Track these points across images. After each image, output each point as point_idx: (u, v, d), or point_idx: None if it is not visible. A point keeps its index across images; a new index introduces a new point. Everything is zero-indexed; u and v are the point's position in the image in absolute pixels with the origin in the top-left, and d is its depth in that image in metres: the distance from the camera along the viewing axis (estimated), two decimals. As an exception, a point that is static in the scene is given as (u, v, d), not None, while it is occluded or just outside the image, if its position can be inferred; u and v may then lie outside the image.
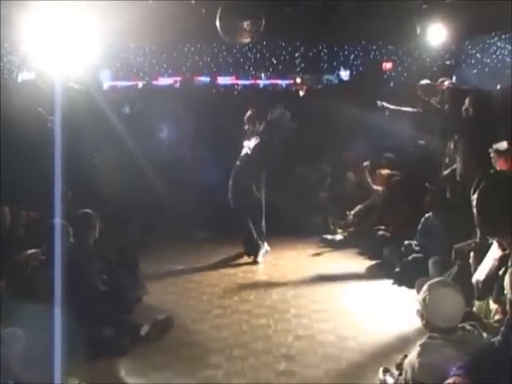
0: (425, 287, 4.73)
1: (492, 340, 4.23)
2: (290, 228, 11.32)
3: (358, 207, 11.36)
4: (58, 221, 7.18)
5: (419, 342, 4.57)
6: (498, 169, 6.55)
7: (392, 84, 18.55)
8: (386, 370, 5.62)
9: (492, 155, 6.76)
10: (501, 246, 4.70)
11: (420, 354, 4.43)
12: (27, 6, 9.51)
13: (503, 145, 6.87)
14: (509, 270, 4.19)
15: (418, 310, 4.76)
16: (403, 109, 10.16)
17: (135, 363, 6.44)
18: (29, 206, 8.21)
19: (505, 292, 4.29)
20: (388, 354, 6.32)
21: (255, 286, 8.89)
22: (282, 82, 21.90)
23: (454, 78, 14.03)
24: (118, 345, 6.71)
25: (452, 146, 8.56)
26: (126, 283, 7.95)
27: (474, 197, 4.48)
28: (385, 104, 10.26)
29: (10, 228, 7.53)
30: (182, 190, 11.07)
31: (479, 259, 5.40)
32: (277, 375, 6.15)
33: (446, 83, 9.92)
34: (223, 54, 22.77)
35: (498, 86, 10.27)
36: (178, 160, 11.22)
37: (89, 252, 7.62)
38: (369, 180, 11.18)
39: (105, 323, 6.91)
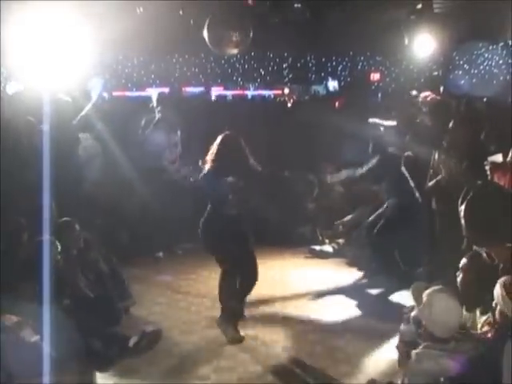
0: (425, 296, 4.71)
1: (480, 351, 4.26)
2: (278, 238, 11.31)
3: (347, 218, 11.38)
4: (46, 237, 7.19)
5: (415, 351, 4.56)
6: (495, 181, 6.56)
7: (380, 95, 18.59)
8: (372, 382, 5.64)
9: (488, 168, 6.76)
10: (489, 256, 4.72)
11: (416, 362, 4.42)
12: (15, 17, 9.50)
13: (499, 157, 6.89)
14: (498, 281, 4.21)
15: (413, 318, 4.74)
16: (393, 123, 10.12)
17: (123, 375, 6.45)
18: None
19: (494, 303, 4.31)
20: (378, 365, 6.34)
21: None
22: (270, 93, 21.90)
23: (441, 88, 14.07)
24: (105, 356, 6.70)
25: (437, 157, 8.59)
26: (113, 294, 7.94)
27: (462, 207, 4.52)
28: (377, 121, 10.22)
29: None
30: (170, 200, 11.05)
31: None
32: (266, 387, 6.18)
33: (428, 94, 9.96)
34: (211, 64, 22.78)
35: (485, 99, 10.30)
36: (164, 169, 11.18)
37: (72, 261, 7.61)
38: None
39: (92, 335, 6.90)
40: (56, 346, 6.37)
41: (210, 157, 7.31)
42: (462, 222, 4.53)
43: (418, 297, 4.89)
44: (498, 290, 4.16)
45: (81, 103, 9.97)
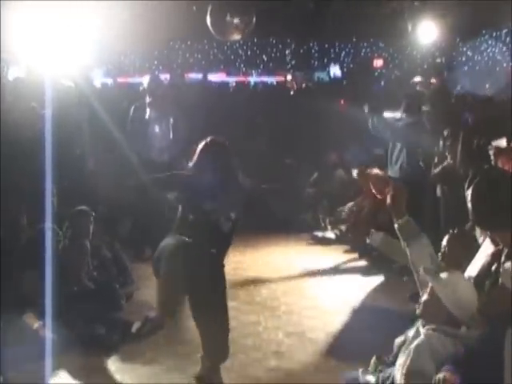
0: (448, 275, 4.64)
1: (482, 335, 4.27)
2: (280, 224, 11.32)
3: (350, 204, 11.37)
4: (48, 225, 7.22)
5: (424, 332, 4.53)
6: (500, 166, 6.55)
7: (383, 81, 18.57)
8: (378, 358, 5.64)
9: (492, 152, 6.75)
10: (493, 241, 4.72)
11: (425, 343, 4.38)
12: (16, 4, 9.50)
13: (503, 142, 6.87)
14: (504, 266, 4.22)
15: (426, 300, 4.65)
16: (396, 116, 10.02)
17: (126, 360, 6.47)
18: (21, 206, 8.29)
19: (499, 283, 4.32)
20: (377, 351, 6.35)
21: (245, 282, 8.89)
22: (273, 79, 21.86)
23: (445, 74, 14.05)
24: (109, 342, 6.74)
25: (442, 143, 8.57)
26: (116, 280, 7.97)
27: (469, 192, 4.56)
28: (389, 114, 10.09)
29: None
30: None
31: None
32: (266, 371, 6.19)
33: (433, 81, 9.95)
34: (214, 51, 22.75)
35: (487, 85, 10.29)
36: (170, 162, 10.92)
37: (82, 250, 7.64)
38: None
39: (96, 320, 6.94)
40: (59, 332, 6.43)
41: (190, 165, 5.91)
42: (469, 205, 4.57)
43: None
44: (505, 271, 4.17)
45: (83, 89, 9.96)
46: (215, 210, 5.60)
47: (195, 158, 5.85)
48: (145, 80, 10.82)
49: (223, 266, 5.72)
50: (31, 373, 5.89)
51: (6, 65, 12.88)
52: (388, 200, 4.97)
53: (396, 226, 4.93)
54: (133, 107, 10.28)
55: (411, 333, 4.84)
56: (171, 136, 10.45)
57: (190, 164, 5.88)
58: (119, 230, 10.03)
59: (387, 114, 9.85)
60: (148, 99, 10.28)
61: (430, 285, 4.59)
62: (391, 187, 5.03)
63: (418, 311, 4.70)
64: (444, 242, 5.40)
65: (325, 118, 12.87)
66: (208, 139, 5.91)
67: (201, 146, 5.89)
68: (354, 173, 8.84)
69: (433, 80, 10.17)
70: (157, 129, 10.35)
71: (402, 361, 4.42)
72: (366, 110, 9.59)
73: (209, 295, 5.54)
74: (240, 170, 6.04)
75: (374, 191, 5.37)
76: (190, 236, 5.59)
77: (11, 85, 9.41)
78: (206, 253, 5.57)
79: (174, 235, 5.78)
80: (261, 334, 7.10)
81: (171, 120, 10.51)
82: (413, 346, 4.37)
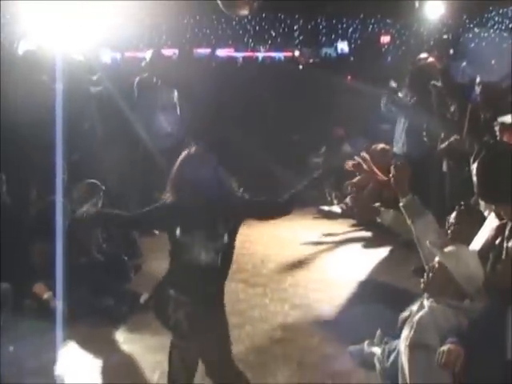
0: (452, 249, 4.63)
1: (486, 308, 4.28)
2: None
3: (356, 179, 11.35)
4: (58, 198, 7.23)
5: (428, 304, 4.53)
6: (505, 141, 6.54)
7: (390, 57, 18.49)
8: (370, 343, 5.67)
9: (497, 128, 6.73)
10: (498, 215, 4.72)
11: (428, 315, 4.37)
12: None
13: (508, 118, 6.85)
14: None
15: (432, 270, 4.63)
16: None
17: (134, 330, 6.52)
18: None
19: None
20: (382, 322, 6.36)
21: (252, 255, 8.91)
22: (281, 55, 21.76)
23: (451, 51, 13.97)
24: (117, 312, 6.78)
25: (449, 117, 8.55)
26: (125, 252, 7.99)
27: (474, 166, 4.57)
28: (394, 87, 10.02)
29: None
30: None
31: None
32: (273, 342, 6.23)
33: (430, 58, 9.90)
34: (222, 26, 22.67)
35: (493, 61, 10.20)
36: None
37: (90, 222, 7.64)
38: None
39: (105, 292, 6.99)
40: (68, 302, 6.46)
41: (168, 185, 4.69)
42: (474, 179, 4.59)
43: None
44: None
45: (92, 63, 9.92)
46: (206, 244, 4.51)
47: (172, 179, 4.64)
48: (147, 55, 10.74)
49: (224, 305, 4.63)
50: (41, 344, 5.94)
51: (16, 38, 12.84)
52: (391, 180, 4.97)
53: (401, 204, 4.94)
54: (136, 81, 10.18)
55: (415, 306, 4.85)
56: (177, 111, 10.41)
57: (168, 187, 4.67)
58: (128, 203, 10.01)
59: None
60: (150, 73, 10.21)
61: (436, 259, 4.60)
62: (393, 168, 5.04)
63: (422, 285, 4.69)
64: (452, 217, 5.40)
65: (332, 93, 12.83)
66: (183, 155, 4.65)
67: (178, 163, 4.65)
68: (348, 165, 8.86)
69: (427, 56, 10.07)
70: (160, 103, 10.28)
71: (406, 333, 4.43)
72: (393, 84, 9.58)
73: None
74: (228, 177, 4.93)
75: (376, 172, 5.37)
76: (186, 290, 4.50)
77: (22, 58, 9.38)
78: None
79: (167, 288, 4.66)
80: (267, 306, 7.12)
81: (175, 95, 10.44)
82: (416, 318, 4.37)
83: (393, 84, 9.81)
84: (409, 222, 4.91)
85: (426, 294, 4.72)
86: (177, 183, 4.57)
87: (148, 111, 10.08)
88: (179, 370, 4.57)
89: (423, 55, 10.72)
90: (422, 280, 4.72)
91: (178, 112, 10.45)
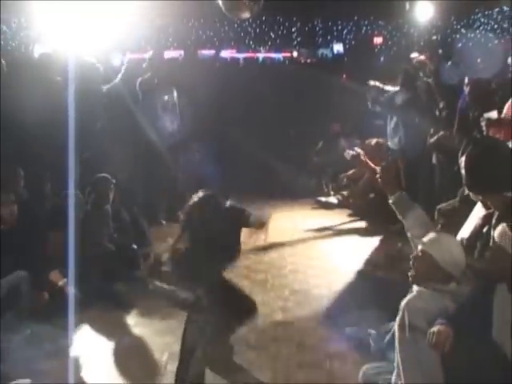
0: (431, 236, 4.61)
1: (473, 291, 4.27)
2: (286, 190, 11.31)
3: (352, 171, 11.36)
4: (71, 191, 7.24)
5: (416, 289, 4.52)
6: (491, 136, 6.53)
7: (382, 57, 18.44)
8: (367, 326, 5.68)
9: (484, 124, 6.73)
10: (485, 205, 4.73)
11: (416, 300, 4.36)
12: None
13: (494, 114, 6.86)
14: (497, 227, 4.21)
15: (416, 259, 4.61)
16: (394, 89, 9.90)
17: (144, 314, 6.55)
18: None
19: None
20: (379, 306, 6.36)
21: (254, 243, 8.91)
22: (280, 56, 21.70)
23: (440, 51, 13.96)
24: (128, 298, 6.79)
25: (438, 114, 8.57)
26: (135, 241, 7.99)
27: (462, 159, 4.58)
28: (377, 83, 10.01)
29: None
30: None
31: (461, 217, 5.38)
32: (273, 325, 6.23)
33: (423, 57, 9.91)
34: (225, 28, 22.59)
35: (479, 60, 10.19)
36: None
37: (103, 213, 7.67)
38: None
39: (116, 279, 7.00)
40: (82, 289, 6.47)
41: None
42: (462, 172, 4.59)
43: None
44: (502, 231, 4.15)
45: (104, 66, 9.87)
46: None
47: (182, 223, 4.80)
48: (148, 56, 10.68)
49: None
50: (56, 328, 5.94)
51: (31, 42, 12.83)
52: (379, 181, 4.96)
53: (390, 201, 4.92)
54: (138, 82, 10.11)
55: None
56: (177, 111, 10.32)
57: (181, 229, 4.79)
58: (136, 195, 9.99)
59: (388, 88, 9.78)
60: (151, 75, 10.12)
61: (418, 247, 4.58)
62: (380, 169, 5.03)
63: (409, 276, 4.66)
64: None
65: (328, 91, 12.83)
66: (194, 200, 4.72)
67: (188, 207, 4.74)
68: (348, 155, 8.84)
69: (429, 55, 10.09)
70: (161, 103, 10.20)
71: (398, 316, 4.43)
72: (372, 83, 9.55)
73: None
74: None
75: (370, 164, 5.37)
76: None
77: (37, 60, 9.36)
78: None
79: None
80: (269, 291, 7.13)
81: (175, 95, 10.34)
82: (404, 301, 4.36)
83: (372, 83, 9.75)
84: (400, 217, 4.89)
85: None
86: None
87: (150, 111, 9.99)
88: (197, 342, 4.65)
89: (413, 55, 10.73)
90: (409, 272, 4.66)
91: (178, 111, 10.34)
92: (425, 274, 4.48)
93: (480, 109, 7.45)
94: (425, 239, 4.54)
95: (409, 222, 4.84)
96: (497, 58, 9.80)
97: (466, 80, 8.22)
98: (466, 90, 8.21)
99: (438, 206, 7.18)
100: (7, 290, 5.90)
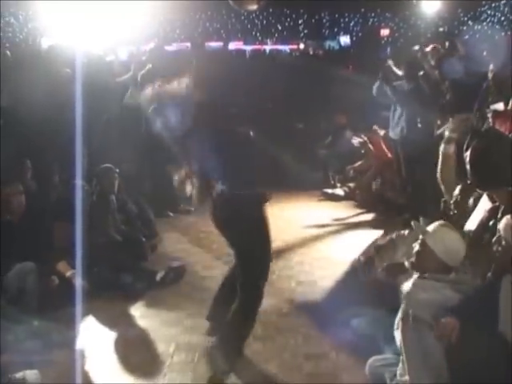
0: (434, 228, 4.60)
1: (481, 284, 4.26)
2: (293, 182, 11.28)
3: (358, 163, 11.34)
4: (78, 182, 7.23)
5: (415, 280, 4.51)
6: (497, 128, 6.49)
7: (389, 49, 18.39)
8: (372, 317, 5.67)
9: (490, 115, 6.69)
10: (491, 198, 4.69)
11: (417, 291, 4.34)
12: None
13: (500, 105, 6.82)
14: (503, 219, 4.20)
15: (417, 245, 4.59)
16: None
17: (151, 305, 6.54)
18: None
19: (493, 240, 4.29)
20: (382, 298, 6.34)
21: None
22: (287, 48, 21.66)
23: (446, 43, 13.89)
24: (135, 289, 6.79)
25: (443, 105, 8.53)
26: (142, 233, 7.99)
27: (467, 153, 4.53)
28: (392, 65, 9.92)
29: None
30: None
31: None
32: (279, 316, 6.22)
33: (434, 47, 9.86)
34: (232, 20, 22.58)
35: (485, 53, 10.14)
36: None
37: (109, 203, 7.67)
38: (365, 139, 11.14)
39: (123, 270, 6.99)
40: (89, 280, 6.46)
41: None
42: (467, 167, 4.54)
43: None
44: (507, 224, 4.13)
45: (110, 59, 9.85)
46: None
47: None
48: (148, 48, 10.58)
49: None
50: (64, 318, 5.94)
51: (39, 34, 12.82)
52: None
53: None
54: (140, 74, 10.05)
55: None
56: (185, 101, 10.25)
57: None
58: (143, 187, 9.97)
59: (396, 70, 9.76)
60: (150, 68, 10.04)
61: (419, 237, 4.56)
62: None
63: (408, 264, 4.65)
64: (456, 191, 5.33)
65: (334, 83, 12.78)
66: None
67: None
68: (356, 142, 8.79)
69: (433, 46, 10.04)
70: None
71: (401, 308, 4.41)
72: (381, 74, 9.50)
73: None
74: None
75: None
76: None
77: (46, 52, 9.35)
78: None
79: None
80: (275, 282, 7.08)
81: (183, 85, 10.26)
82: (406, 292, 4.35)
83: (390, 63, 9.72)
84: None
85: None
86: None
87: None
88: None
89: (416, 47, 10.68)
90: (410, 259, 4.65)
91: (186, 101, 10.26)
92: (423, 263, 4.49)
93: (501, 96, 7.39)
94: (426, 229, 4.54)
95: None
96: (503, 50, 9.75)
97: (491, 66, 8.19)
98: (490, 75, 8.17)
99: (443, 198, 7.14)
100: (16, 282, 5.90)
